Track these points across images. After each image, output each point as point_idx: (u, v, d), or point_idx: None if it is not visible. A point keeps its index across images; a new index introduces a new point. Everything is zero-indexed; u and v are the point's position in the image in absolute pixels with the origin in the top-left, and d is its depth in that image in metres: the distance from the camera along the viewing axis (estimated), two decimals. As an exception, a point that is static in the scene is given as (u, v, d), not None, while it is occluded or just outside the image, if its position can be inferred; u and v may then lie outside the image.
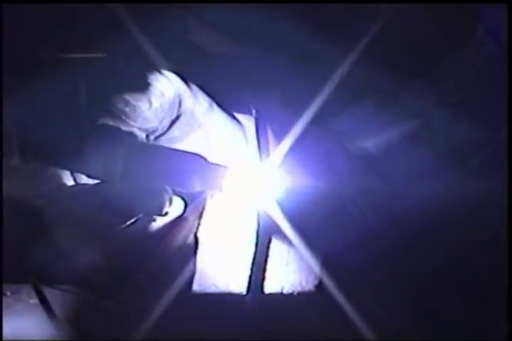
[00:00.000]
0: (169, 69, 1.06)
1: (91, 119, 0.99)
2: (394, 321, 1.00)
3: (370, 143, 1.13)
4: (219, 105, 1.13)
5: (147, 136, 1.03)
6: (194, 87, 1.08)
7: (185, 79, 1.07)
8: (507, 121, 0.99)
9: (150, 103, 1.01)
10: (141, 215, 1.00)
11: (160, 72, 1.03)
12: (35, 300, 1.02)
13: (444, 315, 1.02)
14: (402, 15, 1.09)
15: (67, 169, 1.01)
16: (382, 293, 1.03)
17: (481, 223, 1.04)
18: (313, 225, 1.03)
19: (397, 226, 1.06)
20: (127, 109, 1.00)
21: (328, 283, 1.00)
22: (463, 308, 1.02)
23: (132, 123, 1.00)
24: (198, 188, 0.98)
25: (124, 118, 1.00)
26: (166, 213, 1.00)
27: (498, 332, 0.97)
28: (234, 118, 1.16)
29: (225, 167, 0.99)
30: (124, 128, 0.99)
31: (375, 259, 1.04)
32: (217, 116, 1.12)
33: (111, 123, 0.99)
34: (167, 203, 0.99)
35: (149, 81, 1.01)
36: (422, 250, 1.05)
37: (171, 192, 1.00)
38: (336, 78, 1.08)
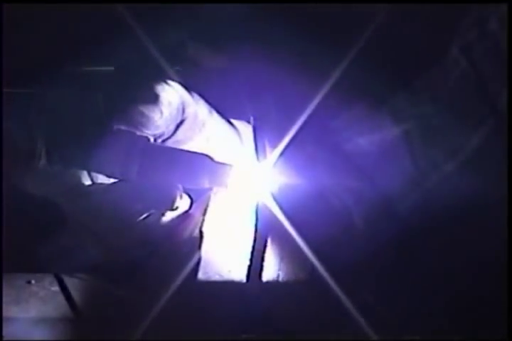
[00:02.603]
0: (173, 79, 1.10)
1: (110, 127, 1.04)
2: (390, 317, 1.02)
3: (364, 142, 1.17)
4: (218, 112, 1.17)
5: (155, 140, 1.08)
6: (195, 95, 1.13)
7: (187, 88, 1.11)
8: (507, 122, 1.02)
9: (161, 113, 1.05)
10: (153, 211, 1.05)
11: (166, 83, 1.08)
12: (56, 288, 1.07)
13: (444, 314, 1.02)
14: (385, 31, 1.13)
15: (89, 170, 1.06)
16: (375, 285, 1.06)
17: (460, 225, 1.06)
18: (305, 219, 1.07)
19: (383, 223, 1.10)
20: (143, 120, 1.05)
21: (320, 271, 1.03)
22: (462, 307, 1.02)
23: (146, 130, 1.05)
24: (206, 185, 1.04)
25: (139, 127, 1.05)
26: (177, 207, 1.06)
27: (498, 332, 0.96)
28: (231, 123, 1.21)
29: (230, 165, 1.04)
30: (138, 132, 1.04)
31: (367, 254, 1.07)
32: (216, 121, 1.17)
33: (126, 128, 1.04)
34: (178, 198, 1.05)
35: (158, 92, 1.06)
36: (411, 245, 1.07)
37: (181, 188, 1.05)
38: (325, 88, 1.12)
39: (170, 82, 1.09)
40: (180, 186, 1.06)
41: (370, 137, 1.18)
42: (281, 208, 1.07)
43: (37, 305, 1.05)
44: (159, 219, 1.07)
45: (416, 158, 1.12)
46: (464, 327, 1.00)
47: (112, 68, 1.13)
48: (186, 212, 1.09)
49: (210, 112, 1.16)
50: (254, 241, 1.09)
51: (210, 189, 1.11)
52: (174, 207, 1.06)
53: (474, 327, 0.99)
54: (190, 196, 1.09)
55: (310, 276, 1.07)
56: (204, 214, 1.12)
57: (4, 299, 1.04)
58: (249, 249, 1.09)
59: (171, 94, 1.08)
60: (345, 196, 1.12)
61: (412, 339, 1.01)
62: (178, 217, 1.09)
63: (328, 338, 1.02)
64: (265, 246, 1.10)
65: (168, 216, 1.08)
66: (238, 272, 1.08)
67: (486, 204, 1.05)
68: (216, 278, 1.08)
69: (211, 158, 1.05)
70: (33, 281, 1.08)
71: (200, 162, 1.05)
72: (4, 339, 0.99)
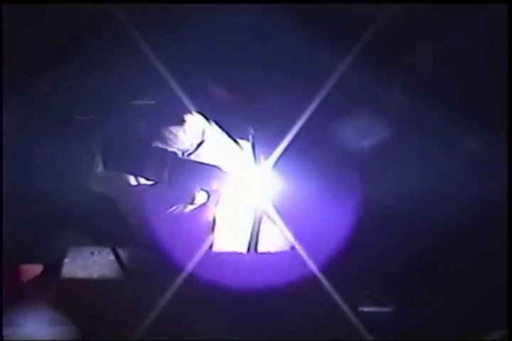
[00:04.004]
0: (196, 111, 1.32)
1: (149, 145, 1.27)
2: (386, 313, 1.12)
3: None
4: (227, 134, 1.38)
5: (182, 154, 1.32)
6: (212, 122, 1.35)
7: (206, 117, 1.33)
8: (507, 124, 1.13)
9: (185, 132, 1.29)
10: (178, 204, 1.30)
11: (190, 113, 1.31)
12: (112, 257, 1.27)
13: (444, 314, 1.06)
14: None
15: (134, 174, 1.28)
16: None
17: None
18: (294, 214, 1.28)
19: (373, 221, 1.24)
20: (171, 136, 1.28)
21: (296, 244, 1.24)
22: (462, 307, 1.06)
23: (174, 145, 1.28)
24: (217, 187, 1.30)
25: (169, 142, 1.28)
26: (196, 202, 1.30)
27: (498, 332, 0.98)
28: (236, 142, 1.40)
29: (234, 173, 1.29)
30: (169, 148, 1.29)
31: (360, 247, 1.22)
32: (226, 142, 1.36)
33: (161, 145, 1.28)
34: (196, 195, 1.29)
35: (184, 119, 1.29)
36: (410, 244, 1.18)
37: (198, 189, 1.30)
38: (314, 103, 1.28)
39: (193, 112, 1.32)
40: (198, 187, 1.31)
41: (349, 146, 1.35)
42: (271, 202, 1.31)
43: (98, 270, 1.25)
44: (183, 210, 1.31)
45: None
46: (463, 327, 1.04)
47: (151, 102, 1.35)
48: (204, 204, 1.33)
49: (222, 135, 1.38)
50: (253, 225, 1.31)
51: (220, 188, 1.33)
52: (193, 202, 1.32)
53: (474, 327, 1.03)
54: (207, 192, 1.33)
55: (292, 248, 1.28)
56: (216, 205, 1.33)
57: (73, 265, 1.25)
58: (249, 230, 1.30)
59: (193, 120, 1.32)
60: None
61: (410, 338, 1.06)
62: (198, 208, 1.32)
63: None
64: (260, 228, 1.30)
65: (189, 208, 1.32)
66: (240, 246, 1.28)
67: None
68: (225, 250, 1.28)
69: (221, 169, 1.32)
70: (95, 252, 1.28)
71: (212, 171, 1.32)
72: (4, 339, 1.08)
